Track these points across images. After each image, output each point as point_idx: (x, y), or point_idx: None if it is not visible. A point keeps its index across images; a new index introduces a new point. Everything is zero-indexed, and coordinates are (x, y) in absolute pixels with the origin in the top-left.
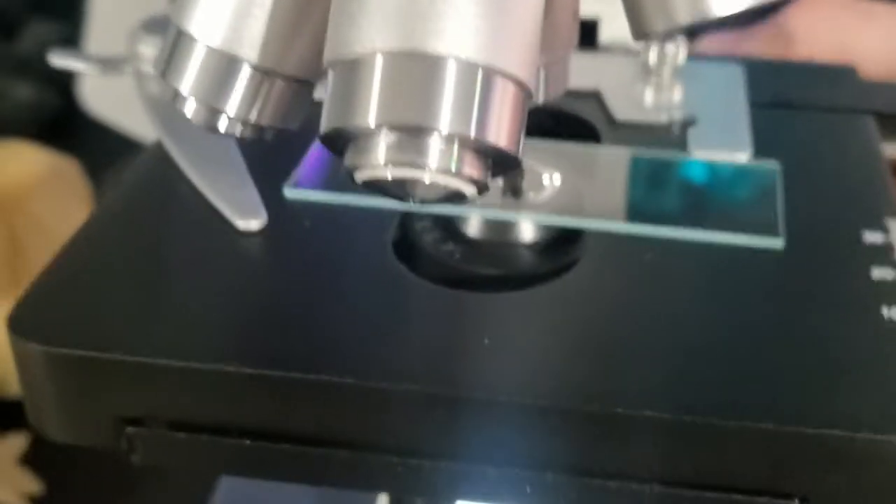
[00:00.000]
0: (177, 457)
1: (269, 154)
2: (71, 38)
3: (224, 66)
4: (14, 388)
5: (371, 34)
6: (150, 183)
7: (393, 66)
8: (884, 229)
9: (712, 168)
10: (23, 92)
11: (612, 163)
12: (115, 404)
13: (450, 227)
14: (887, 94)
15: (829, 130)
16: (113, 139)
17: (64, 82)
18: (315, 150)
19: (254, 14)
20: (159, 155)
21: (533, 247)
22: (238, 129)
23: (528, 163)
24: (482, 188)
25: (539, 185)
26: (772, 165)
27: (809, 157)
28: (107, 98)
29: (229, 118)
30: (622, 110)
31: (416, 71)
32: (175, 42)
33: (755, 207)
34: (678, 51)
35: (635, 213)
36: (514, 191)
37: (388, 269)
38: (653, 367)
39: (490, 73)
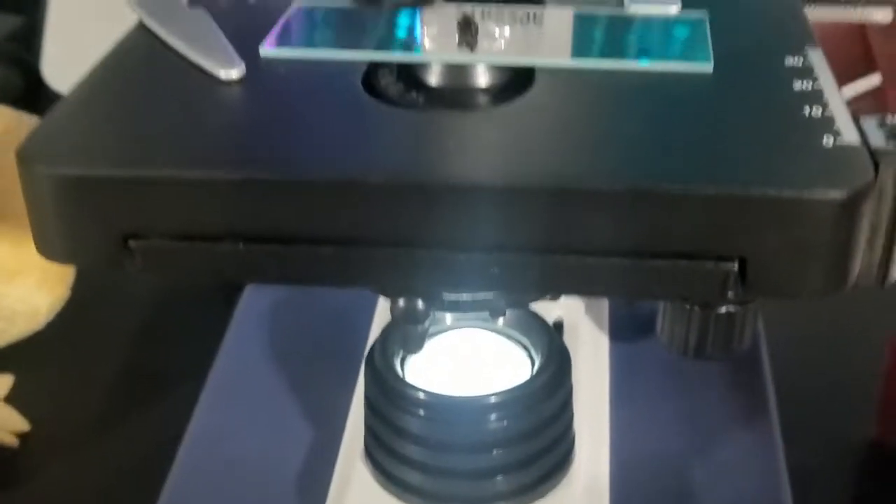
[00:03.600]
0: (177, 265)
1: (239, 28)
2: (28, 28)
3: None
4: None
5: None
6: (136, 49)
7: None
8: (803, 55)
9: (647, 19)
10: None
11: (556, 17)
12: (116, 221)
13: (412, 77)
14: None
15: None
16: None
17: (30, 64)
18: (284, 20)
19: None
20: (141, 33)
21: (489, 90)
22: None
23: (480, 21)
24: None
25: (491, 38)
26: (699, 14)
27: (732, 9)
28: (70, 73)
29: None
30: None
31: None
32: None
33: (686, 45)
34: None
35: (579, 52)
36: (468, 44)
37: (360, 103)
38: (604, 151)
39: None
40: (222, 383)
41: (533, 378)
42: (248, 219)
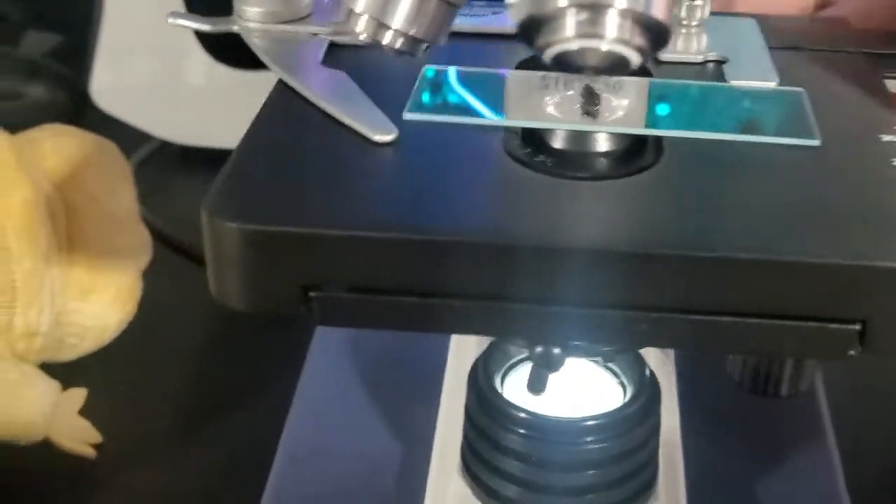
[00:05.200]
0: (351, 316)
1: (372, 86)
2: (71, 47)
3: None
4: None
5: None
6: (289, 108)
7: None
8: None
9: (750, 92)
10: (36, 91)
11: (668, 89)
12: (297, 274)
13: (541, 142)
14: (872, 39)
15: (832, 66)
16: (124, 135)
17: (75, 83)
18: (421, 82)
19: None
20: (285, 92)
21: (609, 154)
22: (399, 42)
23: (600, 92)
24: (645, 55)
25: (611, 109)
26: (797, 90)
27: (823, 87)
28: (118, 95)
29: (394, 31)
30: (663, 55)
31: None
32: None
33: (791, 119)
34: (704, 5)
35: (692, 124)
36: (590, 113)
37: (502, 167)
38: (731, 221)
39: None
40: (309, 401)
41: (626, 404)
42: (412, 275)
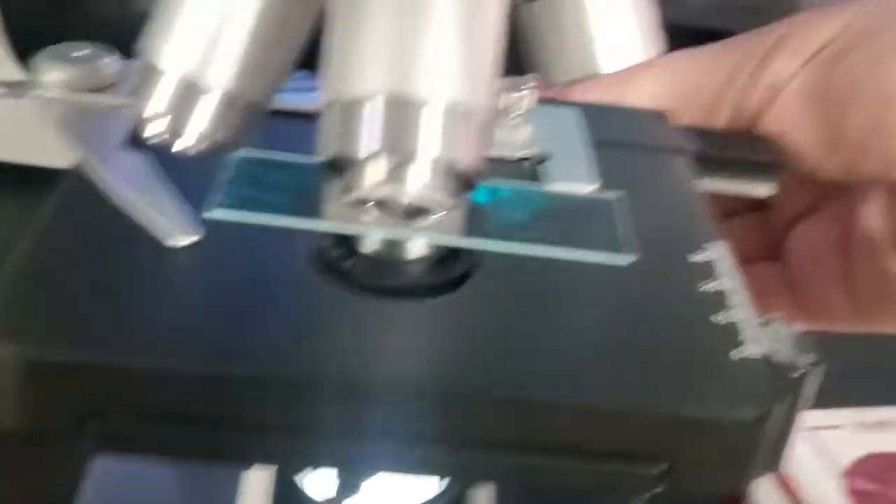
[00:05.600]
0: (133, 447)
1: (175, 174)
2: None
3: (193, 91)
4: None
5: (370, 79)
6: (78, 200)
7: (386, 104)
8: (706, 249)
9: (562, 197)
10: None
11: (485, 192)
12: (74, 401)
13: (350, 246)
14: (691, 138)
15: (651, 167)
16: None
17: None
18: (225, 174)
19: (225, 43)
20: (80, 176)
21: (423, 260)
22: (198, 147)
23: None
24: (447, 206)
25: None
26: (610, 197)
27: (640, 191)
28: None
29: (195, 136)
30: None
31: (404, 109)
32: (144, 71)
33: (604, 232)
34: (528, 96)
35: (501, 233)
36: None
37: (308, 275)
38: (527, 352)
39: (462, 107)
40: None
41: (441, 494)
42: (200, 406)
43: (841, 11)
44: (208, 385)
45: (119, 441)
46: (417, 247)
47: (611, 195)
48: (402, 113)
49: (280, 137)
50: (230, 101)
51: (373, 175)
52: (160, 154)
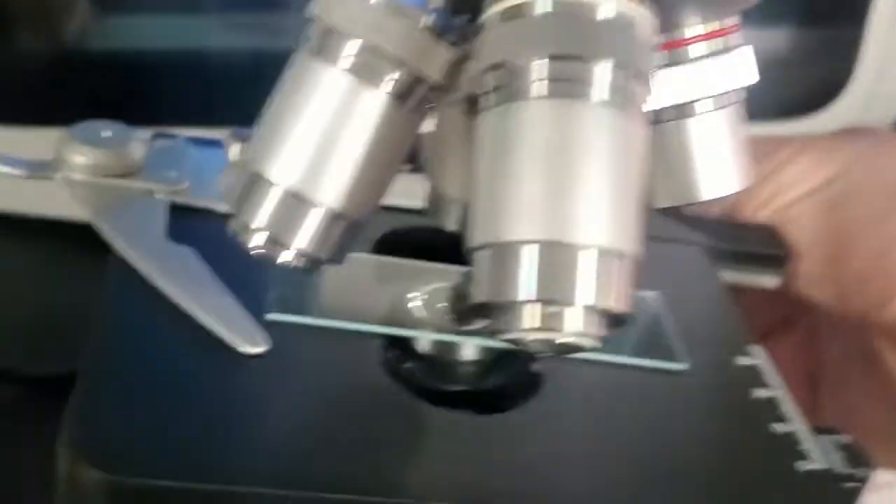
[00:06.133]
0: None
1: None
2: None
3: (300, 207)
4: None
5: (526, 225)
6: (130, 303)
7: (542, 251)
8: (748, 352)
9: None
10: None
11: None
12: None
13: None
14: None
15: (669, 260)
16: None
17: None
18: (278, 273)
19: (337, 161)
20: (125, 272)
21: (478, 364)
22: (297, 262)
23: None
24: (597, 343)
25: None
26: (652, 295)
27: (666, 285)
28: None
29: (295, 252)
30: None
31: (557, 256)
32: (249, 182)
33: (651, 332)
34: None
35: None
36: (461, 320)
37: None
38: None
39: (616, 254)
40: None
41: None
42: None
43: (842, 146)
44: None
45: None
46: (472, 348)
47: (651, 295)
48: (558, 260)
49: None
50: (335, 220)
51: (529, 320)
52: (201, 244)
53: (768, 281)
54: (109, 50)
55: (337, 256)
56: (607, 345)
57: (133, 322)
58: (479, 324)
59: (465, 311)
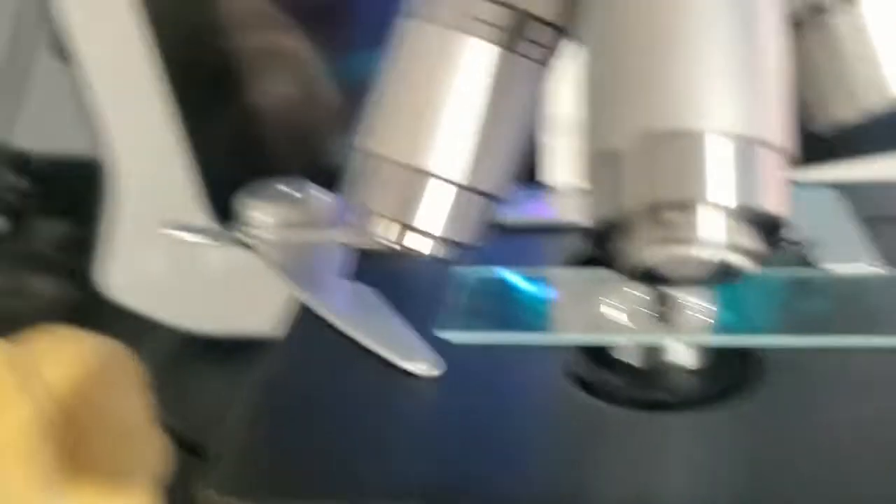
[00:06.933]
0: None
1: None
2: (79, 235)
3: (427, 187)
4: None
5: (632, 119)
6: (308, 343)
7: (655, 146)
8: None
9: (854, 279)
10: (42, 285)
11: (755, 285)
12: None
13: (611, 361)
14: None
15: None
16: (132, 324)
17: (84, 274)
18: (453, 291)
19: (456, 135)
20: (306, 318)
21: (697, 372)
22: (439, 250)
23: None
24: (758, 259)
25: (685, 310)
26: None
27: None
28: (131, 285)
29: (433, 239)
30: None
31: (678, 148)
32: (365, 164)
33: None
34: None
35: (797, 328)
36: (665, 318)
37: (567, 397)
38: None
39: (748, 142)
40: None
41: None
42: None
43: None
44: None
45: None
46: (688, 353)
47: None
48: (680, 153)
49: (499, 253)
50: (465, 195)
51: (651, 232)
52: (382, 283)
53: None
54: None
55: (475, 237)
56: (844, 326)
57: (301, 356)
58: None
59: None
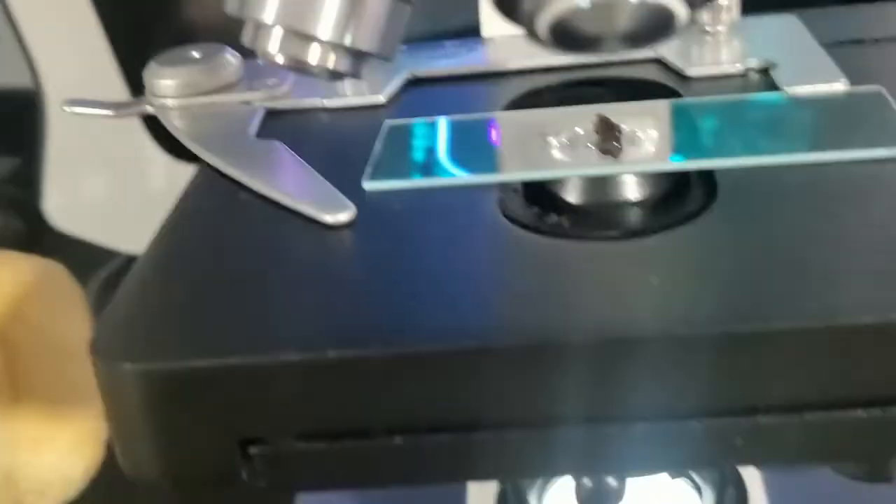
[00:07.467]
0: (306, 473)
1: (327, 160)
2: (23, 172)
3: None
4: None
5: None
6: (210, 197)
7: None
8: None
9: (813, 100)
10: None
11: (706, 109)
12: (231, 423)
13: (550, 198)
14: None
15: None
16: (83, 253)
17: (29, 205)
18: (380, 143)
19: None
20: (208, 178)
21: (645, 203)
22: (332, 60)
23: (620, 125)
24: (696, 4)
25: (636, 142)
26: (874, 88)
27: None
28: (75, 212)
29: (321, 44)
30: (691, 69)
31: None
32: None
33: (876, 127)
34: (731, 6)
35: (748, 148)
36: (610, 152)
37: (502, 234)
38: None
39: None
40: None
41: None
42: (394, 407)
43: None
44: (400, 375)
45: (290, 470)
46: (635, 185)
47: (870, 88)
48: None
49: (435, 103)
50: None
51: None
52: (300, 142)
53: None
54: None
55: (382, 45)
56: (800, 142)
57: (202, 214)
58: (635, 155)
59: (616, 144)
